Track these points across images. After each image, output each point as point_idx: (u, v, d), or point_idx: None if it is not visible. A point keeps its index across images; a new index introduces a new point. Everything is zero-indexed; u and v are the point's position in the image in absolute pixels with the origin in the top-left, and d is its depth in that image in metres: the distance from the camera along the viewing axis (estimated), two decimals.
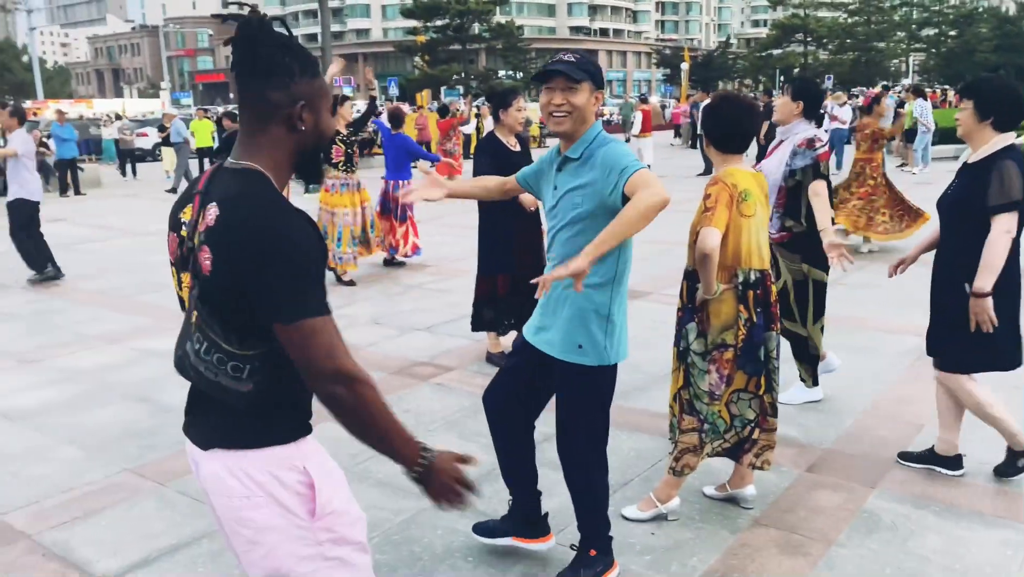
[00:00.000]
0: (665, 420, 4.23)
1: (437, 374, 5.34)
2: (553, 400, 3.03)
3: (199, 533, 3.42)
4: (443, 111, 16.47)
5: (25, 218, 8.51)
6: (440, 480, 1.71)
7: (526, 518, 3.16)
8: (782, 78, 55.65)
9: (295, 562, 1.75)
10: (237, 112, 1.80)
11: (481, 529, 3.25)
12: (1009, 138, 3.44)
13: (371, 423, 1.65)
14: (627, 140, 29.13)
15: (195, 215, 1.70)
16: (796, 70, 64.37)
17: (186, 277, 1.74)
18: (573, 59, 2.74)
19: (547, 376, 2.93)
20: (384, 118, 9.85)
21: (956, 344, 3.55)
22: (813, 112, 4.33)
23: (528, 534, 3.17)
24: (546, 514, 3.21)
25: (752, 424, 3.32)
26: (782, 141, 4.32)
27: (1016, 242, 3.41)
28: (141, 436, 4.49)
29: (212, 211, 1.63)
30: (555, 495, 3.67)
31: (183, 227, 1.75)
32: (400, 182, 9.03)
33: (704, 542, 3.28)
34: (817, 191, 4.11)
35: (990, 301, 3.36)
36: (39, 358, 6.01)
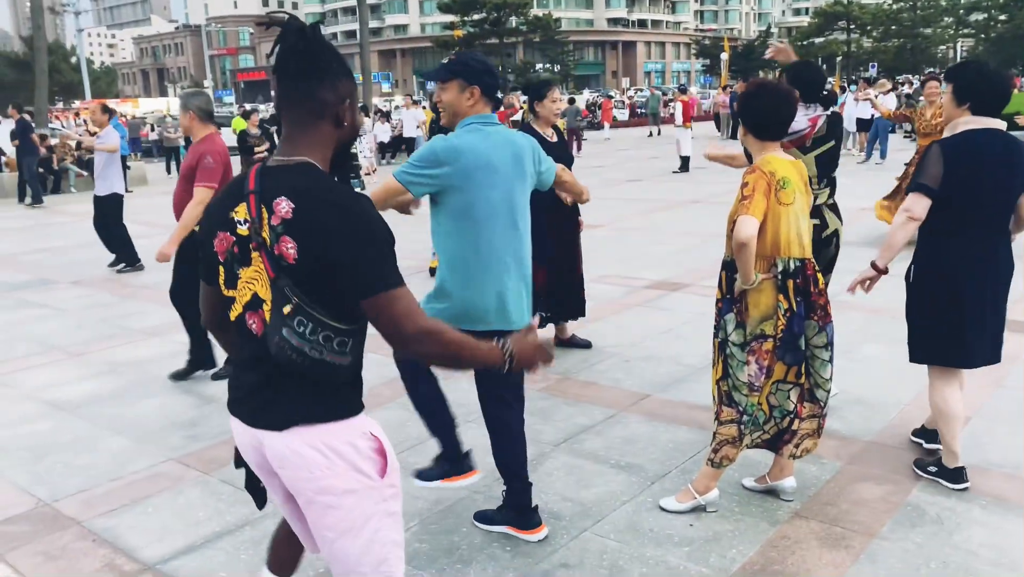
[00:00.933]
0: (703, 412, 4.20)
1: None
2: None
3: (242, 520, 3.48)
4: (497, 103, 16.47)
5: (119, 211, 9.10)
6: (523, 356, 1.97)
7: (519, 509, 3.25)
8: (825, 67, 54.67)
9: (365, 520, 1.93)
10: (282, 111, 1.86)
11: (480, 517, 3.37)
12: (974, 122, 3.35)
13: (459, 356, 1.87)
14: (651, 134, 29.08)
15: (255, 212, 1.79)
16: (839, 58, 63.21)
17: (245, 272, 1.83)
18: (448, 60, 3.12)
19: None
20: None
21: (909, 332, 3.61)
22: (812, 96, 4.21)
23: (520, 525, 3.25)
24: (535, 507, 3.27)
25: (792, 415, 3.28)
26: None
27: (952, 237, 3.36)
28: (184, 426, 4.58)
29: (284, 205, 1.75)
30: (592, 486, 3.67)
31: (239, 225, 1.82)
32: None
33: (743, 534, 3.25)
34: None
35: (869, 273, 3.49)
36: (86, 351, 6.17)
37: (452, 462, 3.37)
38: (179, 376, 5.35)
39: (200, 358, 5.36)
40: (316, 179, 1.80)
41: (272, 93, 1.98)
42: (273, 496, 2.11)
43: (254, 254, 1.80)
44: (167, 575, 3.14)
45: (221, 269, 1.88)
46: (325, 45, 1.85)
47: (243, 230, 1.81)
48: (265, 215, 1.77)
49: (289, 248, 1.74)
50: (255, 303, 1.83)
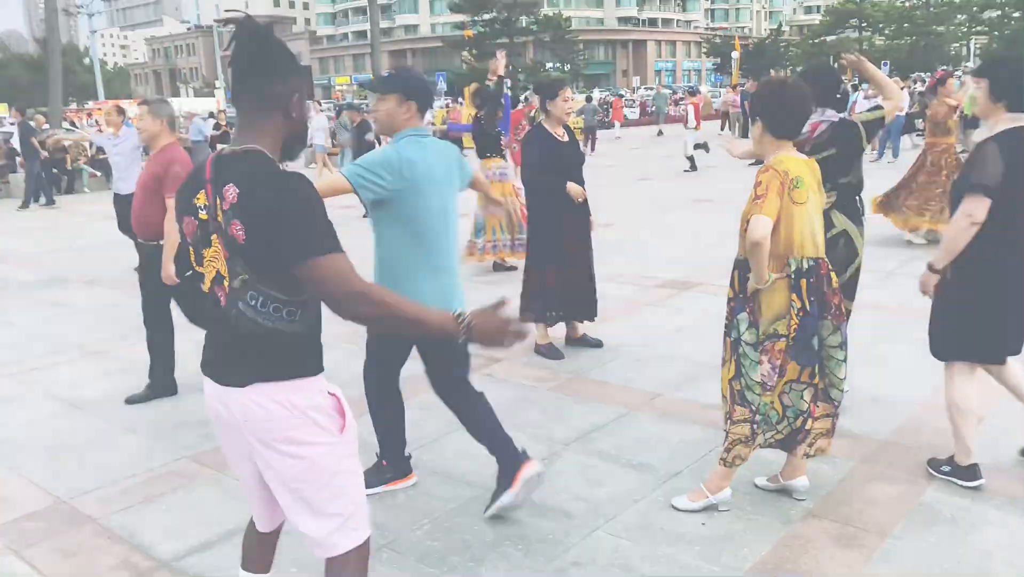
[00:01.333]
0: (715, 411, 4.20)
1: (486, 365, 5.37)
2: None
3: None
4: (514, 102, 16.32)
5: None
6: (486, 331, 1.99)
7: (510, 459, 3.37)
8: (837, 65, 54.37)
9: (330, 476, 2.07)
10: (236, 103, 2.05)
11: (489, 506, 3.42)
12: (1020, 119, 3.32)
13: (399, 318, 1.94)
14: (660, 133, 29.06)
15: (211, 199, 1.96)
16: None
17: (207, 252, 1.99)
18: (388, 74, 3.33)
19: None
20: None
21: (938, 328, 3.56)
22: (826, 100, 4.18)
23: (516, 468, 3.34)
24: (523, 450, 3.41)
25: (805, 415, 3.27)
26: None
27: (1003, 232, 3.30)
28: (198, 425, 4.60)
29: (231, 191, 1.91)
30: (604, 485, 3.68)
31: (200, 210, 1.99)
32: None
33: (756, 533, 3.24)
34: None
35: (933, 278, 3.41)
36: (101, 350, 6.21)
37: (395, 468, 3.64)
38: (136, 400, 5.10)
39: (161, 385, 5.19)
40: (260, 165, 1.94)
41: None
42: (237, 465, 2.21)
43: (213, 236, 1.96)
44: (182, 572, 3.16)
45: (191, 249, 2.06)
46: (275, 43, 2.02)
47: (203, 215, 1.98)
48: (218, 201, 1.93)
49: (238, 230, 1.90)
50: (218, 279, 2.00)
